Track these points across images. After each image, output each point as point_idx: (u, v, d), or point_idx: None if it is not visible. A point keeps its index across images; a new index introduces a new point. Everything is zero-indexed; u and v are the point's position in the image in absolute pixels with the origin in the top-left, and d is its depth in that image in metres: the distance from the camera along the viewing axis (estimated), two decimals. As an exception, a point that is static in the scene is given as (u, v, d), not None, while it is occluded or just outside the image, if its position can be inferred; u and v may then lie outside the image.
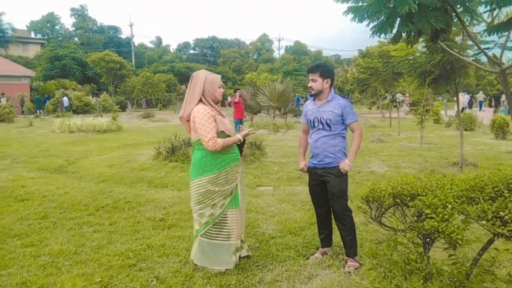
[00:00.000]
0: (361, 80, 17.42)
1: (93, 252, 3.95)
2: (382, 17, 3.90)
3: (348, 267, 3.45)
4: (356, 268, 3.43)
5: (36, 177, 7.49)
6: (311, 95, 3.74)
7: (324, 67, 3.66)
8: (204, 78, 3.47)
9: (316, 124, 3.68)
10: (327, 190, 3.62)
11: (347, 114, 3.54)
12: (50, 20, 61.40)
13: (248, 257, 3.71)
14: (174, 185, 6.85)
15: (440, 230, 1.97)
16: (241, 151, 3.73)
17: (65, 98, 31.31)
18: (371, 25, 4.35)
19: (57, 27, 62.77)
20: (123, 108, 38.13)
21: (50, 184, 6.84)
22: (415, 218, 2.21)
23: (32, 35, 60.61)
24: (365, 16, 3.84)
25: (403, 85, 17.56)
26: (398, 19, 3.95)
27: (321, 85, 3.58)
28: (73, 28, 62.43)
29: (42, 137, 14.86)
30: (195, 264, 3.54)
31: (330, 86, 3.63)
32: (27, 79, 35.38)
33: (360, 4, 4.15)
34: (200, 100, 3.45)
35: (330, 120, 3.57)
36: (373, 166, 8.36)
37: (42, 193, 6.23)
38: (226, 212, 3.48)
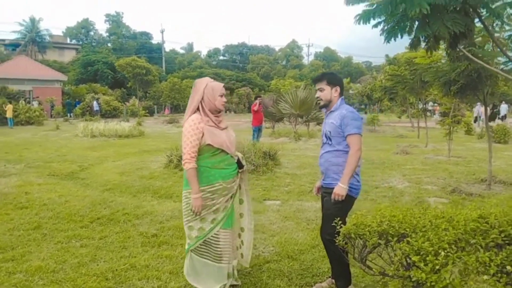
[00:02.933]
0: (388, 88, 16.74)
1: (72, 270, 3.69)
2: (392, 21, 3.47)
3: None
4: None
5: (44, 184, 7.40)
6: (320, 107, 3.37)
7: (331, 75, 3.34)
8: (204, 86, 3.23)
9: (322, 137, 3.32)
10: None
11: (346, 125, 3.07)
12: (85, 26, 63.24)
13: (236, 286, 3.37)
14: (178, 196, 6.55)
15: (429, 284, 1.56)
16: (241, 166, 3.39)
17: (95, 103, 31.95)
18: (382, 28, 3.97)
19: (92, 33, 64.57)
20: (151, 113, 38.60)
21: (54, 192, 6.72)
22: (401, 265, 1.80)
23: (68, 41, 62.63)
24: (372, 18, 3.43)
25: (434, 93, 16.79)
26: (410, 23, 3.52)
27: (330, 94, 3.21)
28: (107, 34, 64.04)
29: (64, 141, 15.04)
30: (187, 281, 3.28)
31: (340, 95, 3.24)
32: (59, 83, 36.41)
33: (369, 7, 3.78)
34: (198, 109, 3.21)
35: (330, 132, 3.19)
36: (393, 181, 7.82)
37: (43, 201, 6.10)
38: (218, 231, 3.21)
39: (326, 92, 3.21)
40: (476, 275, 1.55)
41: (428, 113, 28.71)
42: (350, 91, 42.20)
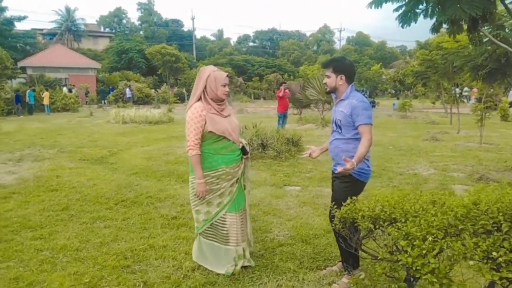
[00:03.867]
0: (419, 73, 16.23)
1: (94, 249, 3.89)
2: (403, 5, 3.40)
3: (337, 284, 3.08)
4: None
5: (75, 168, 7.74)
6: (327, 93, 3.42)
7: (337, 62, 3.28)
8: (207, 75, 3.29)
9: (332, 125, 3.35)
10: None
11: (356, 115, 3.06)
12: (118, 14, 64.47)
13: (248, 267, 3.46)
14: (200, 181, 6.72)
15: (415, 268, 1.56)
16: (245, 153, 3.47)
17: (127, 90, 32.70)
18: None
19: (124, 21, 65.76)
20: (182, 100, 39.15)
21: (83, 175, 7.02)
22: (391, 249, 1.80)
23: (102, 29, 64.10)
24: (384, 3, 3.37)
25: (466, 78, 16.17)
26: (425, 7, 3.43)
27: (335, 81, 3.20)
28: (139, 22, 65.08)
29: (96, 127, 15.55)
30: (193, 264, 3.44)
31: (347, 82, 3.21)
32: (94, 71, 37.46)
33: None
34: (201, 97, 3.29)
35: (340, 121, 3.20)
36: (418, 168, 7.68)
37: (72, 184, 6.40)
38: (225, 214, 3.33)
39: (332, 79, 3.21)
40: (463, 261, 1.54)
41: (464, 99, 27.68)
42: (383, 77, 41.20)
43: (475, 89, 26.57)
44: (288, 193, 5.92)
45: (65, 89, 30.19)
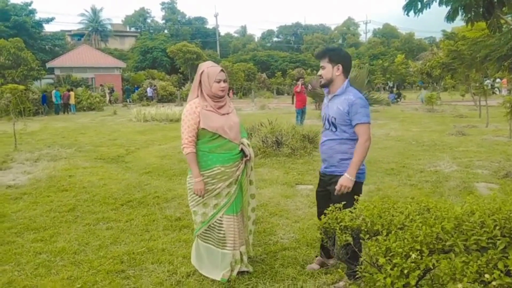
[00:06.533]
0: (446, 64, 15.57)
1: (92, 252, 3.81)
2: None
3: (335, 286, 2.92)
4: None
5: (89, 167, 7.76)
6: (321, 86, 3.16)
7: (334, 51, 3.07)
8: (201, 71, 3.16)
9: (324, 123, 3.13)
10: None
11: (354, 113, 2.87)
12: (142, 14, 65.33)
13: (246, 272, 3.29)
14: (211, 180, 6.59)
15: (396, 290, 1.34)
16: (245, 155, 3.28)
17: (148, 89, 33.06)
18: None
19: (149, 21, 66.57)
20: (205, 97, 39.24)
21: (95, 175, 7.01)
22: (370, 266, 1.58)
23: (127, 29, 65.14)
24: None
25: (491, 69, 15.36)
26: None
27: (331, 72, 2.97)
28: (163, 21, 65.70)
29: (117, 126, 15.72)
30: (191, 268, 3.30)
31: (344, 74, 2.99)
32: (119, 70, 38.07)
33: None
34: (198, 94, 3.17)
35: (335, 119, 2.97)
36: (440, 165, 7.28)
37: (83, 184, 6.39)
38: (222, 217, 3.18)
39: (327, 70, 2.98)
40: (451, 283, 1.31)
41: (497, 91, 26.42)
42: (410, 69, 39.93)
43: (504, 80, 25.37)
44: (299, 193, 5.70)
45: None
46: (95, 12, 55.45)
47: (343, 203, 2.89)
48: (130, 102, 33.13)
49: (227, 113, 3.20)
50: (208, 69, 3.14)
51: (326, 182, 3.14)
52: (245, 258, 3.32)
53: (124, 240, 4.10)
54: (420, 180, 6.27)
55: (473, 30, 5.93)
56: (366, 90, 16.38)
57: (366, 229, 1.70)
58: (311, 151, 8.26)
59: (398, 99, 27.55)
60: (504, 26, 4.01)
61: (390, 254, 1.47)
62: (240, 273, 3.25)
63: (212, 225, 3.19)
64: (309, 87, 13.81)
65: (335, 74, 2.98)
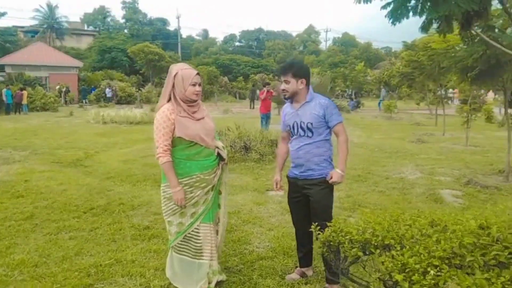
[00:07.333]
0: (405, 74, 16.14)
1: (55, 265, 3.53)
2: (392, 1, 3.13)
3: None
4: None
5: (46, 171, 7.31)
6: (285, 98, 3.22)
7: (297, 67, 3.14)
8: (175, 73, 2.94)
9: (296, 131, 3.15)
10: (309, 205, 3.14)
11: (330, 114, 3.04)
12: (102, 12, 63.33)
13: (221, 282, 3.15)
14: (179, 186, 6.38)
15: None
16: (222, 159, 3.15)
17: (107, 89, 32.00)
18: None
19: (108, 20, 64.64)
20: (166, 99, 38.50)
21: (53, 180, 6.60)
22: (384, 283, 1.52)
23: (85, 28, 62.91)
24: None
25: (454, 79, 16.13)
26: (416, 2, 3.17)
27: (295, 86, 3.06)
28: (123, 21, 63.99)
29: (75, 127, 15.04)
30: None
31: (307, 86, 3.10)
32: (75, 70, 36.62)
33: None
34: (170, 98, 2.97)
35: (311, 124, 3.04)
36: (405, 171, 7.46)
37: (41, 189, 5.99)
38: (199, 225, 3.02)
39: (292, 84, 3.06)
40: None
41: (449, 101, 27.72)
42: (368, 77, 41.18)
43: (456, 90, 26.69)
44: (271, 199, 5.62)
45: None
46: (50, 8, 52.95)
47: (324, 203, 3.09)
48: (86, 103, 31.91)
49: (202, 118, 3.05)
50: (183, 71, 2.96)
51: (301, 187, 3.15)
52: (219, 265, 3.19)
53: (89, 251, 3.84)
54: (388, 187, 6.38)
55: (439, 41, 6.11)
56: (328, 96, 16.64)
57: (376, 243, 1.63)
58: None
59: (358, 107, 28.28)
60: (478, 39, 4.14)
61: (406, 270, 1.40)
62: (218, 283, 3.11)
63: (189, 235, 3.02)
64: (274, 93, 13.86)
65: (299, 87, 3.07)
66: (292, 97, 3.12)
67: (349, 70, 39.82)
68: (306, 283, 3.23)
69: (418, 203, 5.50)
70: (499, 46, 4.14)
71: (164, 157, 2.86)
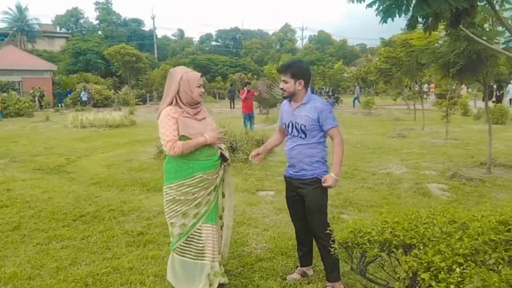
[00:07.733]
0: (383, 70, 16.41)
1: (49, 276, 3.43)
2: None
3: None
4: None
5: (28, 179, 7.10)
6: (284, 97, 3.26)
7: (296, 67, 3.12)
8: (180, 77, 2.96)
9: (290, 130, 3.18)
10: (305, 203, 3.16)
11: (324, 119, 3.03)
12: (75, 14, 62.01)
13: (223, 285, 3.14)
14: (168, 189, 6.31)
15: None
16: (225, 159, 3.15)
17: (83, 93, 31.36)
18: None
19: (81, 21, 63.35)
20: (144, 101, 38.05)
21: (37, 188, 6.42)
22: (408, 282, 1.54)
23: (58, 30, 61.44)
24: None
25: (429, 75, 16.49)
26: (407, 0, 3.22)
27: (293, 87, 3.07)
28: (97, 22, 62.83)
29: (52, 133, 14.66)
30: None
31: (305, 87, 3.10)
32: (49, 73, 35.70)
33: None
34: (172, 101, 2.97)
35: (304, 126, 3.06)
36: (390, 167, 7.59)
37: (25, 198, 5.81)
38: (201, 226, 3.00)
39: (290, 84, 3.07)
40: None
41: (425, 95, 28.35)
42: (345, 74, 41.70)
43: (432, 85, 27.33)
44: (262, 199, 5.62)
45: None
46: (20, 10, 51.54)
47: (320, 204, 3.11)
48: (62, 107, 31.18)
49: (204, 118, 3.06)
50: (187, 74, 2.99)
51: (296, 186, 3.18)
52: (221, 268, 3.18)
53: (84, 260, 3.75)
54: (376, 183, 6.46)
55: (419, 38, 6.23)
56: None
57: (397, 243, 1.64)
58: (266, 156, 8.22)
59: (337, 104, 28.61)
60: (462, 35, 4.23)
61: (431, 269, 1.42)
62: (219, 286, 3.09)
63: (191, 236, 3.01)
64: (256, 93, 13.86)
65: (297, 88, 3.07)
66: (291, 97, 3.14)
67: (327, 68, 40.22)
68: (308, 283, 3.24)
69: (407, 198, 5.60)
70: (483, 42, 4.24)
71: (175, 142, 2.84)
